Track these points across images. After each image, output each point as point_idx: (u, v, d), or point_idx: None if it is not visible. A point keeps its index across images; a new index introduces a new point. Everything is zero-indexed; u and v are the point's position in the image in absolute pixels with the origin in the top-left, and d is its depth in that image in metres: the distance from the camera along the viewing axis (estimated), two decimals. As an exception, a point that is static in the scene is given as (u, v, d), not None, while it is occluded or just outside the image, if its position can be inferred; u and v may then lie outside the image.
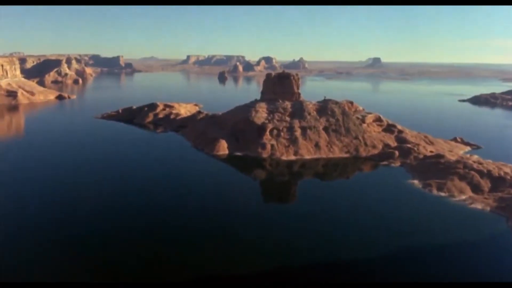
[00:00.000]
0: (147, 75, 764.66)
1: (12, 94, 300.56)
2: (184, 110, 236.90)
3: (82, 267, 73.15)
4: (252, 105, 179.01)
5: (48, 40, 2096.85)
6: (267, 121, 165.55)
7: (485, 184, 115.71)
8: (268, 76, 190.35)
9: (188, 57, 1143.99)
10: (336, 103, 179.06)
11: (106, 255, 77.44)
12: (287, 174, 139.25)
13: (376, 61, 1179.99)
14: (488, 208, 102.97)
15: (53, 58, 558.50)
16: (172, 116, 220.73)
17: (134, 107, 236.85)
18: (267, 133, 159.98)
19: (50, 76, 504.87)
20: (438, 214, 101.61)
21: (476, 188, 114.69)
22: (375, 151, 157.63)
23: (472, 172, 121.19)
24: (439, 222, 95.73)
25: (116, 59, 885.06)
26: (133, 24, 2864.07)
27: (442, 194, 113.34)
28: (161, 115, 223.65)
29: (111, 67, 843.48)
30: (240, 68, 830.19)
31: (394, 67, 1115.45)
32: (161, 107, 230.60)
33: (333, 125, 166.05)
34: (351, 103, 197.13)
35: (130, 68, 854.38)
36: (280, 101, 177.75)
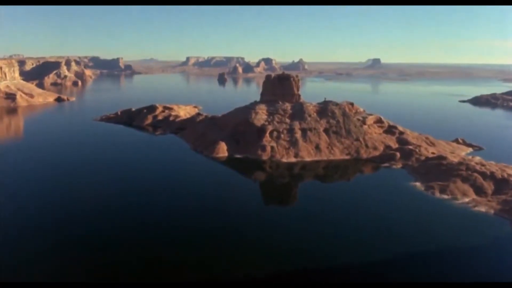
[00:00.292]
0: (147, 77, 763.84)
1: (11, 96, 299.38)
2: (184, 112, 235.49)
3: (82, 268, 73.11)
4: (252, 106, 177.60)
5: (48, 42, 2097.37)
6: (267, 123, 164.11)
7: (489, 187, 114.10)
8: (267, 77, 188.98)
9: (188, 58, 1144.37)
10: (337, 104, 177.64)
11: (105, 256, 77.26)
12: (287, 176, 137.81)
13: (375, 62, 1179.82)
14: (492, 211, 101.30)
15: (53, 60, 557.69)
16: (171, 118, 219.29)
17: (133, 109, 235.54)
18: (267, 135, 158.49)
19: (50, 78, 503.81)
20: (441, 217, 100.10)
21: (479, 191, 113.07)
22: (376, 153, 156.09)
23: (475, 174, 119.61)
24: (442, 226, 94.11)
25: (115, 61, 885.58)
26: (132, 26, 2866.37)
27: (445, 196, 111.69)
28: (160, 117, 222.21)
29: (110, 69, 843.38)
30: (240, 69, 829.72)
31: (394, 68, 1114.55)
32: (160, 109, 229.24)
33: (333, 126, 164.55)
34: (352, 104, 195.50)
35: (129, 70, 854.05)
36: (280, 102, 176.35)
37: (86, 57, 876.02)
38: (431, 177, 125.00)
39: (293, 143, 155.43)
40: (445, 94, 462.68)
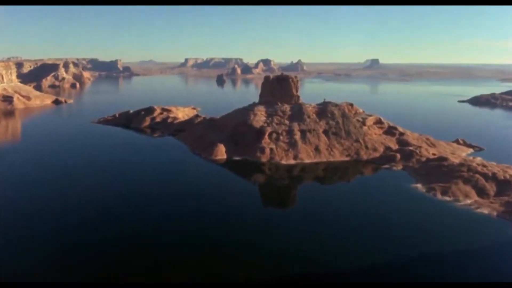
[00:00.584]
0: (145, 78, 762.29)
1: (8, 99, 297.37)
2: (182, 113, 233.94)
3: (82, 269, 73.18)
4: (250, 108, 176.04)
5: (46, 44, 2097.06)
6: (266, 125, 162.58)
7: (491, 188, 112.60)
8: (266, 78, 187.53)
9: (186, 60, 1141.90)
10: (336, 105, 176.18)
11: (104, 258, 77.41)
12: (286, 178, 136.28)
13: (374, 62, 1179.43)
14: (494, 213, 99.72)
15: (50, 62, 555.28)
16: (169, 120, 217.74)
17: (131, 111, 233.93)
18: (266, 136, 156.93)
19: (47, 81, 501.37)
20: (443, 219, 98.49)
21: (481, 192, 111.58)
22: (376, 154, 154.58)
23: (477, 175, 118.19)
24: (445, 228, 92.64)
25: (114, 63, 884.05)
26: (131, 28, 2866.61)
27: (447, 198, 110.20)
28: (158, 119, 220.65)
29: (109, 71, 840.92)
30: (238, 70, 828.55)
31: (393, 68, 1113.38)
32: (158, 111, 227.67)
33: (333, 128, 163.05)
34: (351, 105, 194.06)
35: (128, 72, 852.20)
36: (279, 104, 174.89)
37: (84, 59, 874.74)
38: (432, 179, 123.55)
39: (292, 144, 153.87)
40: (444, 94, 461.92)
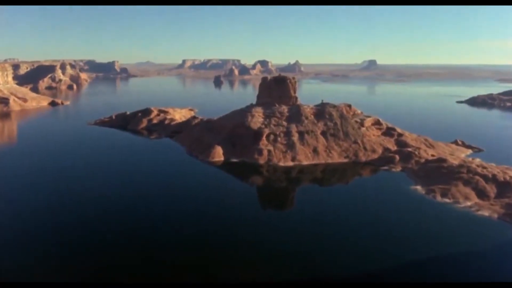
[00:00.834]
0: (143, 80, 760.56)
1: (4, 101, 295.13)
2: (179, 115, 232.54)
3: (81, 271, 72.84)
4: (248, 109, 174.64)
5: (43, 46, 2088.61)
6: (263, 126, 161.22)
7: (491, 190, 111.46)
8: (264, 79, 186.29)
9: (184, 61, 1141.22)
10: (334, 106, 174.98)
11: (102, 260, 76.85)
12: (284, 180, 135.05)
13: (371, 63, 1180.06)
14: (495, 215, 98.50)
15: (47, 64, 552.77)
16: (166, 122, 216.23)
17: (128, 112, 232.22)
18: (264, 138, 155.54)
19: (44, 82, 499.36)
20: (443, 221, 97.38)
21: (481, 194, 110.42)
22: (375, 156, 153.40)
23: (477, 177, 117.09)
24: (445, 230, 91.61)
25: (111, 64, 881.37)
26: (128, 29, 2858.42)
27: (447, 200, 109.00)
28: (155, 121, 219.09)
29: (106, 72, 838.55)
30: (236, 72, 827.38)
31: (390, 69, 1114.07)
32: (155, 112, 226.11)
33: (331, 129, 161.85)
34: (349, 106, 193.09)
35: (125, 73, 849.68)
36: (277, 105, 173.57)
37: (81, 61, 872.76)
38: (432, 180, 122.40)
39: (290, 146, 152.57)
40: (442, 95, 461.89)
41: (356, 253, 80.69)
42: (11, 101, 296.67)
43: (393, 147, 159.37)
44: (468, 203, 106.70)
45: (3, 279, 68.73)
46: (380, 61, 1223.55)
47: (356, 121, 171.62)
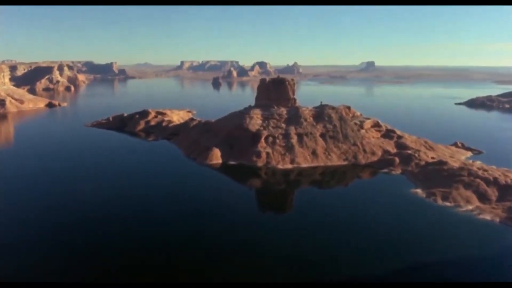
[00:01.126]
0: (141, 81, 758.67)
1: (0, 102, 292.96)
2: (177, 117, 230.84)
3: (80, 272, 72.64)
4: (246, 111, 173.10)
5: (40, 47, 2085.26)
6: (262, 128, 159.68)
7: (492, 193, 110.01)
8: (262, 81, 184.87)
9: (182, 63, 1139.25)
10: (333, 108, 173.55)
11: (100, 262, 76.44)
12: (283, 183, 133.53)
13: (370, 64, 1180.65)
14: (497, 219, 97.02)
15: (45, 65, 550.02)
16: (164, 124, 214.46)
17: (125, 114, 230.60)
18: (262, 140, 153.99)
19: (42, 84, 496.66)
20: (444, 225, 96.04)
21: (482, 197, 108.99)
22: (375, 158, 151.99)
23: (478, 180, 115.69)
24: (446, 235, 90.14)
25: (109, 66, 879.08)
26: (127, 30, 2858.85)
27: (448, 204, 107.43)
28: (152, 123, 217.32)
29: (104, 74, 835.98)
30: (234, 73, 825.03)
31: (389, 70, 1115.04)
32: (153, 114, 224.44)
33: (330, 131, 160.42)
34: (349, 108, 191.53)
35: (123, 75, 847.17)
36: (275, 107, 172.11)
37: (79, 62, 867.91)
38: (432, 183, 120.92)
39: (289, 148, 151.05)
40: (441, 97, 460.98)
41: (355, 257, 79.52)
42: (7, 102, 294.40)
43: (393, 150, 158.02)
44: (470, 207, 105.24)
45: (3, 279, 68.67)
46: (378, 63, 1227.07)
47: (356, 123, 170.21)
